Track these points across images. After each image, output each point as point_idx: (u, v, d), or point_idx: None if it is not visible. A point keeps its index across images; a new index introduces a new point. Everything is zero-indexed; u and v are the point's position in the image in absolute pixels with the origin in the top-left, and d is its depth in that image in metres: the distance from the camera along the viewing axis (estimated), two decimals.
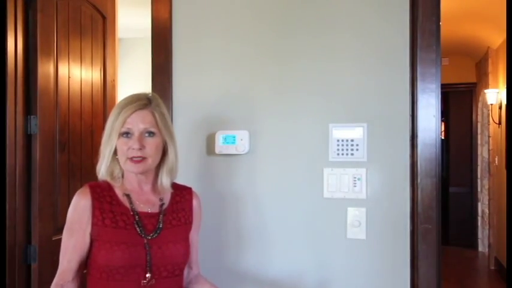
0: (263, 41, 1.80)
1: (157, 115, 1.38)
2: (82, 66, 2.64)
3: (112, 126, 1.36)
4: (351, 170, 1.70)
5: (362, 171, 1.69)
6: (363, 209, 1.69)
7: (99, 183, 1.42)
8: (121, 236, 1.35)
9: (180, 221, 1.46)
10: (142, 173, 1.39)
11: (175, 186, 1.50)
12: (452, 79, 6.67)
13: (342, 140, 1.71)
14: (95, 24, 2.76)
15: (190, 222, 1.49)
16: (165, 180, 1.43)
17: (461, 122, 7.16)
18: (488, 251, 6.20)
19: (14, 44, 2.20)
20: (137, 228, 1.36)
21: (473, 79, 6.95)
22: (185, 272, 1.49)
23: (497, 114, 5.82)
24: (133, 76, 5.37)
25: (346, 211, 1.70)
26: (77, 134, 2.56)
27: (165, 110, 1.43)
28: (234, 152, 1.80)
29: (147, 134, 1.36)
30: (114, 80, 2.95)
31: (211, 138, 1.83)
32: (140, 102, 1.37)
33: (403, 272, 1.66)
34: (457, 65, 6.82)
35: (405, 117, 1.66)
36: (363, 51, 1.71)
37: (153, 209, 1.42)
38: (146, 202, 1.42)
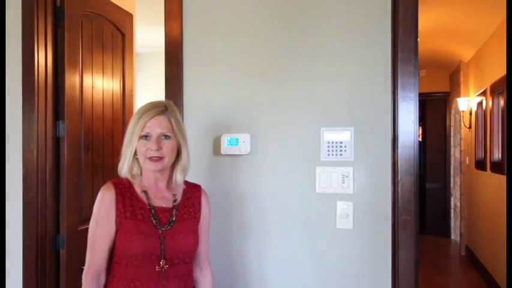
0: (262, 56, 1.80)
1: (172, 120, 1.39)
2: (104, 77, 2.64)
3: (133, 129, 1.37)
4: (340, 168, 1.71)
5: (349, 170, 1.70)
6: (350, 203, 1.70)
7: (121, 180, 1.42)
8: (139, 227, 1.36)
9: (190, 215, 1.46)
10: (160, 171, 1.40)
11: (186, 184, 1.50)
12: (428, 89, 6.69)
13: (332, 142, 1.71)
14: (115, 41, 2.76)
15: (199, 217, 1.49)
16: (179, 177, 1.44)
17: (437, 126, 7.16)
18: (460, 239, 6.20)
19: (45, 58, 2.19)
20: (153, 221, 1.37)
21: (447, 89, 6.96)
22: (197, 271, 1.52)
23: (468, 120, 5.83)
24: (148, 86, 5.38)
25: (336, 205, 1.71)
26: (99, 137, 2.55)
27: (179, 116, 1.44)
28: (237, 152, 1.80)
29: (163, 137, 1.37)
30: (132, 90, 2.95)
31: (217, 141, 1.84)
32: (158, 109, 1.38)
33: (385, 257, 1.67)
34: (433, 76, 6.83)
35: (387, 122, 1.67)
36: (350, 65, 1.72)
37: (167, 204, 1.43)
38: (161, 198, 1.43)
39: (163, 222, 1.39)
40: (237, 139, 1.80)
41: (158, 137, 1.36)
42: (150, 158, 1.35)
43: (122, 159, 1.40)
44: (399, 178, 1.60)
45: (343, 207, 1.70)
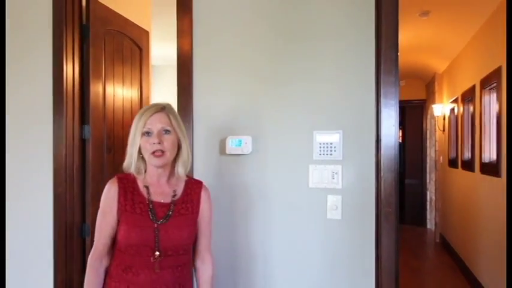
0: (262, 69, 1.80)
1: (171, 117, 1.35)
2: (123, 87, 2.64)
3: (136, 128, 1.33)
4: (330, 166, 1.71)
5: (338, 168, 1.70)
6: (339, 197, 1.70)
7: (126, 175, 1.38)
8: (137, 220, 1.32)
9: (188, 210, 1.38)
10: (163, 166, 1.35)
11: (189, 181, 1.44)
12: (407, 96, 6.70)
13: (323, 143, 1.71)
14: (133, 55, 2.77)
15: (197, 212, 1.40)
16: (180, 170, 1.38)
17: (415, 129, 7.14)
18: (434, 228, 6.20)
19: (72, 69, 2.20)
20: (150, 215, 1.32)
21: (423, 96, 6.95)
22: (198, 262, 1.45)
23: (441, 124, 5.83)
24: (163, 95, 5.38)
25: (327, 198, 1.71)
26: (119, 139, 2.56)
27: (177, 114, 1.40)
28: (240, 152, 1.80)
29: (164, 132, 1.32)
30: (148, 98, 2.95)
31: (223, 142, 1.84)
32: (157, 107, 1.35)
33: (370, 243, 1.67)
34: (411, 86, 6.83)
35: (371, 125, 1.67)
36: (339, 75, 1.72)
37: (165, 199, 1.36)
38: (161, 193, 1.37)
39: (160, 217, 1.33)
40: (240, 140, 1.80)
41: (159, 132, 1.31)
42: (154, 153, 1.30)
43: (127, 157, 1.35)
44: (382, 175, 1.60)
45: (332, 200, 1.70)
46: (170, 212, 1.34)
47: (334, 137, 1.70)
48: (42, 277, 2.09)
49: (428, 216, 6.71)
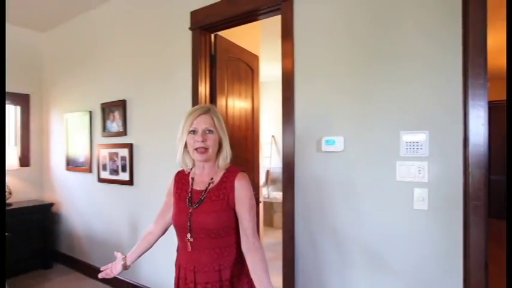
0: (351, 78, 1.72)
1: (214, 118, 1.26)
2: (240, 100, 2.76)
3: (183, 126, 1.26)
4: (416, 162, 1.55)
5: (425, 164, 1.53)
6: (426, 189, 1.53)
7: (183, 170, 1.35)
8: (180, 206, 1.28)
9: (219, 197, 1.23)
10: (206, 160, 1.26)
11: (228, 169, 1.29)
12: (492, 97, 5.70)
13: (410, 142, 1.56)
14: (247, 75, 2.85)
15: (229, 199, 1.23)
16: (221, 163, 1.28)
17: (501, 128, 6.05)
18: None
19: (204, 88, 2.37)
20: (187, 202, 1.27)
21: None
22: (245, 246, 1.21)
23: None
24: (269, 105, 5.53)
25: (413, 191, 1.56)
26: (237, 139, 2.65)
27: (220, 116, 1.28)
28: (333, 150, 1.75)
29: (207, 132, 1.24)
30: (258, 108, 3.02)
31: (319, 142, 1.81)
32: (202, 109, 1.26)
33: (457, 234, 1.46)
34: (496, 86, 5.80)
35: (458, 126, 1.46)
36: (427, 78, 1.54)
37: (202, 187, 1.27)
38: (201, 182, 1.29)
39: (194, 203, 1.25)
40: (334, 140, 1.75)
41: (203, 131, 1.23)
42: (197, 149, 1.23)
43: (178, 152, 1.29)
44: (470, 170, 1.39)
45: (419, 192, 1.54)
46: (202, 198, 1.24)
47: (420, 137, 1.54)
48: None
49: None
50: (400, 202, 1.59)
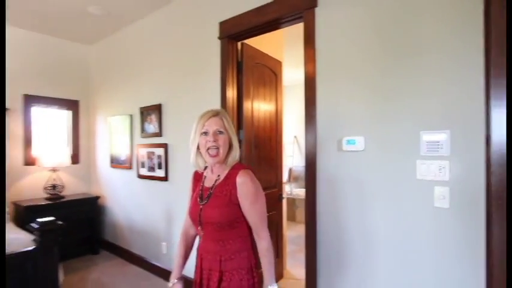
0: (371, 80, 1.68)
1: (224, 120, 1.27)
2: (264, 103, 2.77)
3: (196, 128, 1.27)
4: (437, 161, 1.49)
5: (445, 163, 1.47)
6: (447, 188, 1.47)
7: (200, 170, 1.36)
8: (193, 201, 1.32)
9: (223, 193, 1.24)
10: (217, 163, 1.28)
11: (233, 167, 1.28)
12: None
13: (430, 142, 1.50)
14: (271, 79, 2.85)
15: (230, 195, 1.23)
16: (229, 161, 1.28)
17: None
18: None
19: (232, 92, 2.40)
20: (198, 198, 1.30)
21: None
22: (255, 239, 1.25)
23: None
24: (292, 107, 5.50)
25: (434, 189, 1.50)
26: (262, 139, 2.66)
27: (229, 118, 1.29)
28: (354, 149, 1.72)
29: (218, 132, 1.25)
30: (281, 110, 3.02)
31: (340, 141, 1.78)
32: (213, 112, 1.28)
33: (479, 232, 1.39)
34: None
35: (479, 125, 1.39)
36: (449, 78, 1.48)
37: (210, 184, 1.30)
38: (210, 180, 1.31)
39: (204, 198, 1.28)
40: (354, 140, 1.72)
41: (214, 132, 1.24)
42: (209, 150, 1.24)
43: (192, 154, 1.31)
44: (492, 169, 1.32)
45: (440, 190, 1.48)
46: (210, 194, 1.27)
47: (441, 136, 1.48)
48: None
49: None
50: (421, 200, 1.54)
